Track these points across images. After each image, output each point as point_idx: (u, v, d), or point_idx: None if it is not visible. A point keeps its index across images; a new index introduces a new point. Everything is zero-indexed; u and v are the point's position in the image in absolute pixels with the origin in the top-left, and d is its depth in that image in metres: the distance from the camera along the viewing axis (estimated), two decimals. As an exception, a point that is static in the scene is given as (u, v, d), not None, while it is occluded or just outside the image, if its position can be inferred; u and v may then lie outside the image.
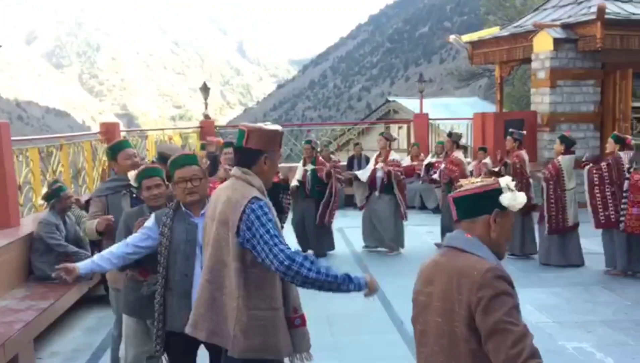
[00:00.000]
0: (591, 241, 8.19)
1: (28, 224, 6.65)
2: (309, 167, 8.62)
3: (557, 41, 12.09)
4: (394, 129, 16.13)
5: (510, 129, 8.98)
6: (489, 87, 30.44)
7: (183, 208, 3.35)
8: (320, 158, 8.95)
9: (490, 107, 21.75)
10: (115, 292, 4.31)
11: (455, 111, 20.96)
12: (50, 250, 6.05)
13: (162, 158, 4.44)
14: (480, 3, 35.27)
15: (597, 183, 7.36)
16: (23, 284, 5.94)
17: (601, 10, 11.37)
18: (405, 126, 16.33)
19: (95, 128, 10.00)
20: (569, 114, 12.47)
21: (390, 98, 22.87)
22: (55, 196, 6.23)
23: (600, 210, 7.32)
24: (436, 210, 11.43)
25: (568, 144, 7.88)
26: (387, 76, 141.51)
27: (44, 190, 7.57)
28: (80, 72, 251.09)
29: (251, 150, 2.82)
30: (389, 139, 8.98)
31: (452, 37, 15.05)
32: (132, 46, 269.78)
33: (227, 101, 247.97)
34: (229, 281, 2.76)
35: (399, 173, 8.65)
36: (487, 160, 9.95)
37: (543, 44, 12.28)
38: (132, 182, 3.86)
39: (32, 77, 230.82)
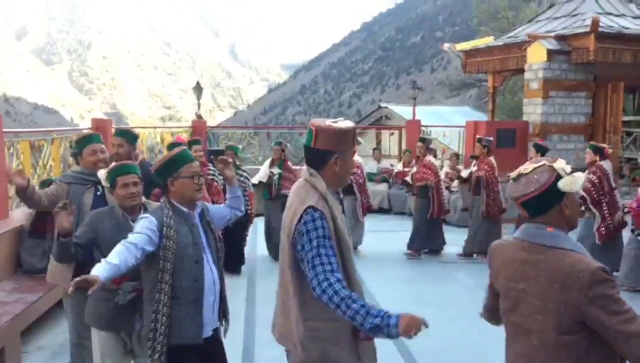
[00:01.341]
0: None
1: (17, 217, 6.56)
2: (276, 170, 8.47)
3: (550, 52, 12.18)
4: (385, 135, 16.16)
5: (478, 136, 9.13)
6: (479, 97, 30.63)
7: (182, 208, 3.14)
8: (289, 162, 8.82)
9: (481, 117, 21.87)
10: (65, 295, 3.94)
11: (447, 119, 21.01)
12: (39, 242, 5.98)
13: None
14: (472, 14, 35.52)
15: (594, 194, 7.30)
16: (11, 277, 5.86)
17: (595, 23, 11.48)
18: (396, 132, 16.34)
19: (84, 126, 9.89)
20: (561, 125, 12.56)
21: (382, 105, 22.89)
22: (42, 187, 6.18)
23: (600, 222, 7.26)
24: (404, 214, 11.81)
25: (542, 153, 8.00)
26: (378, 84, 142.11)
27: (35, 183, 7.52)
28: (71, 69, 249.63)
29: (320, 151, 2.59)
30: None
31: (446, 45, 15.12)
32: (123, 45, 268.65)
33: (217, 103, 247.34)
34: (292, 287, 2.62)
35: (357, 176, 8.75)
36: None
37: (537, 55, 12.36)
38: (103, 181, 3.56)
39: (22, 73, 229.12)
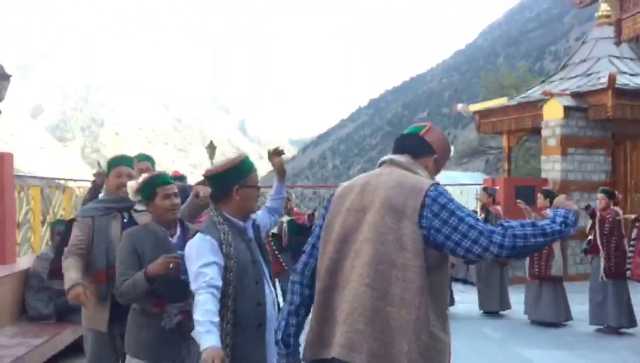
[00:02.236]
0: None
1: (24, 263, 6.28)
2: (285, 219, 8.13)
3: (567, 109, 12.07)
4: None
5: (484, 186, 9.12)
6: (491, 165, 30.63)
7: (237, 221, 2.75)
8: (295, 209, 8.64)
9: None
10: (94, 335, 3.50)
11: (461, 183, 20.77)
12: (46, 287, 5.66)
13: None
14: (477, 91, 36.09)
15: (607, 233, 7.38)
16: (14, 322, 5.52)
17: (612, 79, 11.42)
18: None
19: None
20: (581, 182, 12.29)
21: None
22: (50, 230, 5.95)
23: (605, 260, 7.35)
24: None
25: (552, 198, 7.82)
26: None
27: (43, 231, 7.27)
28: (83, 146, 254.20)
29: (425, 143, 2.44)
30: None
31: (459, 106, 15.11)
32: (135, 122, 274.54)
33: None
34: (398, 287, 2.11)
35: None
36: None
37: (553, 112, 12.25)
38: (132, 195, 3.25)
39: (35, 150, 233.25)
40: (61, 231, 5.78)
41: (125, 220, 3.53)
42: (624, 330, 7.32)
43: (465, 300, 9.13)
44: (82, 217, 3.55)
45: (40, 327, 5.40)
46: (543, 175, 12.73)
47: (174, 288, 3.01)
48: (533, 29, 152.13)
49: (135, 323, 3.09)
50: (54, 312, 5.64)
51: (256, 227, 2.89)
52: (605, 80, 12.04)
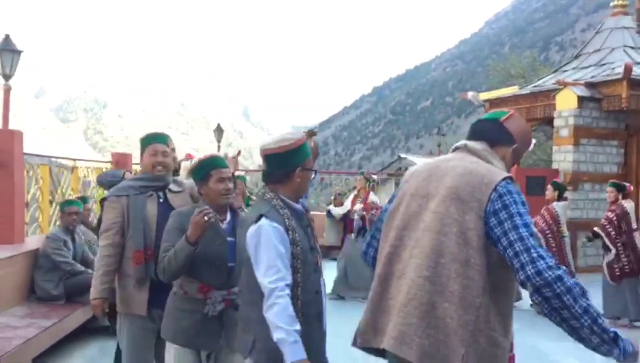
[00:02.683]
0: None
1: (33, 243, 6.18)
2: (358, 206, 8.15)
3: (581, 99, 11.90)
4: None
5: None
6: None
7: (295, 204, 2.53)
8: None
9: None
10: (131, 319, 3.29)
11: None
12: (55, 267, 5.57)
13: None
14: (481, 81, 35.80)
15: (613, 232, 7.28)
16: (24, 302, 5.42)
17: (628, 69, 11.24)
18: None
19: (105, 159, 9.65)
20: (592, 174, 12.14)
21: (402, 155, 22.69)
22: (60, 210, 5.83)
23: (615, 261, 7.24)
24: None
25: (561, 191, 7.66)
26: (387, 147, 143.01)
27: (51, 211, 7.17)
28: (86, 127, 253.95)
29: (504, 131, 2.24)
30: (368, 179, 8.69)
31: (470, 94, 14.92)
32: (138, 105, 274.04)
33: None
34: (458, 284, 1.97)
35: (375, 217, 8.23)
36: None
37: (566, 102, 12.09)
38: (184, 176, 3.21)
39: (38, 131, 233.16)
40: (72, 211, 5.70)
41: (160, 200, 3.37)
42: (638, 323, 7.22)
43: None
44: (116, 196, 3.33)
45: (49, 307, 5.31)
46: (554, 166, 12.60)
47: (220, 275, 2.93)
48: (539, 19, 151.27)
49: (175, 308, 2.97)
50: (64, 293, 5.55)
51: (306, 211, 2.65)
52: (620, 70, 11.86)
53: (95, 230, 6.50)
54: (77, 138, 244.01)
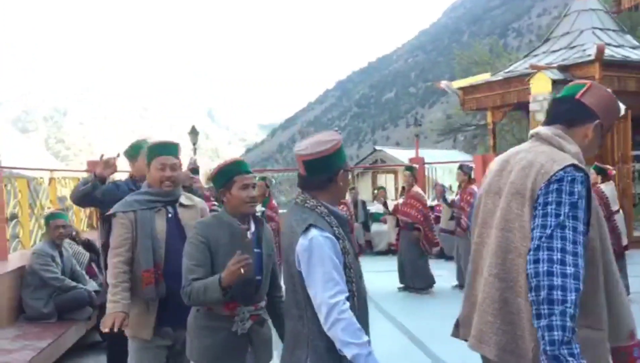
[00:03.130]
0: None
1: (16, 260, 5.90)
2: (259, 208, 7.76)
3: (555, 82, 11.98)
4: (381, 177, 15.83)
5: (460, 163, 8.89)
6: (468, 141, 30.70)
7: (337, 210, 2.33)
8: (273, 200, 8.05)
9: (470, 159, 21.74)
10: (138, 343, 3.09)
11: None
12: (44, 284, 5.30)
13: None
14: (443, 68, 36.05)
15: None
16: (13, 323, 5.15)
17: (600, 50, 11.35)
18: (392, 174, 16.01)
19: (82, 169, 9.33)
20: (570, 156, 12.26)
21: (377, 148, 22.66)
22: (45, 224, 5.57)
23: None
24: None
25: (603, 173, 7.54)
26: (354, 140, 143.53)
27: (32, 225, 6.88)
28: (47, 136, 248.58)
29: (584, 107, 2.05)
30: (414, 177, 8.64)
31: (443, 83, 14.94)
32: (100, 111, 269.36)
33: (196, 164, 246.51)
34: (524, 277, 1.88)
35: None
36: None
37: (541, 86, 12.16)
38: (204, 182, 3.07)
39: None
40: (59, 224, 5.44)
41: (169, 215, 3.15)
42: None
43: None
44: (123, 212, 3.09)
45: (41, 327, 5.06)
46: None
47: (248, 290, 2.73)
48: (496, 7, 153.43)
49: (200, 327, 2.75)
50: (55, 311, 5.29)
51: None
52: (591, 52, 12.00)
53: (86, 244, 6.27)
54: (38, 148, 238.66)
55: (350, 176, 8.22)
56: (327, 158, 2.23)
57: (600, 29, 13.46)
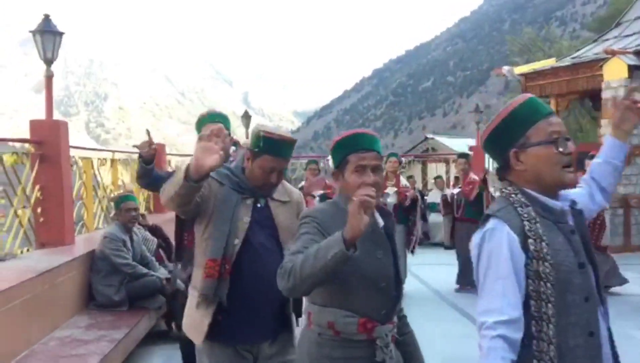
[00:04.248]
0: None
1: (83, 243, 5.64)
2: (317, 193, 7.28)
3: (631, 68, 11.26)
4: (432, 166, 15.39)
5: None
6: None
7: (547, 200, 1.75)
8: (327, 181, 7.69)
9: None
10: (209, 345, 2.54)
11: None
12: (115, 270, 5.02)
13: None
14: (483, 57, 35.04)
15: None
16: (83, 311, 4.88)
17: (685, 34, 10.59)
18: (443, 163, 15.48)
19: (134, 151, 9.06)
20: (646, 147, 11.55)
21: (429, 135, 22.10)
22: (116, 207, 5.26)
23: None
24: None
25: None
26: (390, 129, 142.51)
27: (95, 207, 6.63)
28: (88, 120, 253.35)
29: None
30: (400, 163, 7.95)
31: (505, 69, 14.29)
32: (139, 96, 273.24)
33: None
34: None
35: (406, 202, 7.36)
36: None
37: (616, 72, 11.44)
38: (333, 162, 2.47)
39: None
40: (130, 207, 5.15)
41: (259, 205, 2.59)
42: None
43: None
44: (213, 179, 2.51)
45: (114, 315, 4.77)
46: (603, 140, 11.98)
47: (386, 301, 2.09)
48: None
49: (324, 357, 2.07)
50: (126, 298, 5.01)
51: (577, 212, 1.82)
52: (670, 36, 11.26)
53: (153, 229, 5.98)
54: (80, 131, 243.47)
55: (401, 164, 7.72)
56: (490, 136, 1.83)
57: (678, 13, 12.64)
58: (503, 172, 1.82)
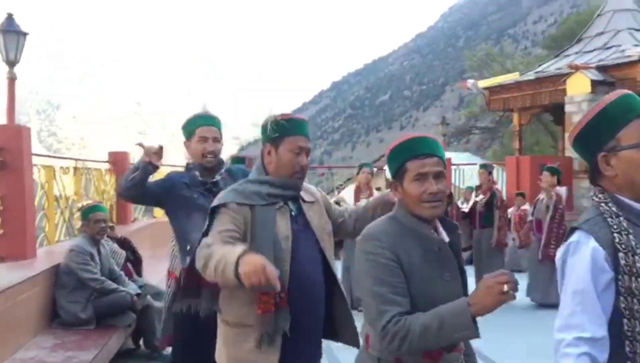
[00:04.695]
0: None
1: (44, 257, 5.30)
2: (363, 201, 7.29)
3: (594, 83, 11.48)
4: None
5: (482, 163, 9.06)
6: (478, 143, 30.24)
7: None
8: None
9: (482, 161, 21.28)
10: None
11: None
12: (82, 285, 4.70)
13: None
14: (439, 72, 35.68)
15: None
16: (47, 330, 4.54)
17: (646, 51, 10.86)
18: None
19: (103, 159, 8.73)
20: (607, 160, 11.77)
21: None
22: (83, 219, 4.94)
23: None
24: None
25: (559, 175, 7.41)
26: (348, 141, 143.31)
27: (57, 218, 6.27)
28: (39, 129, 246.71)
29: None
30: (372, 174, 7.94)
31: (470, 82, 14.41)
32: (93, 105, 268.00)
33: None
34: None
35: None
36: (527, 206, 9.25)
37: (579, 86, 11.65)
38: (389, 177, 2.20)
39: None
40: (100, 218, 4.86)
41: (293, 213, 2.36)
42: None
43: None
44: (237, 204, 2.26)
45: (80, 335, 4.45)
46: (567, 153, 12.18)
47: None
48: (492, 12, 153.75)
49: None
50: (94, 316, 4.69)
51: None
52: (630, 53, 11.54)
53: (121, 241, 5.68)
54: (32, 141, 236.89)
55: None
56: (579, 135, 1.67)
57: (637, 30, 12.99)
58: (594, 177, 1.65)
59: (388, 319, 1.73)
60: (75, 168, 6.94)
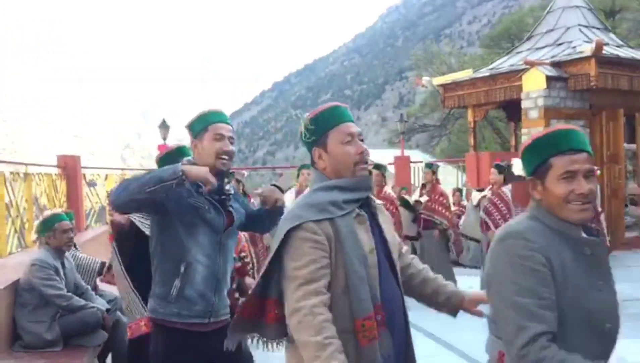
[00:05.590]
0: None
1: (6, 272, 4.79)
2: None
3: (549, 79, 11.59)
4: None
5: (428, 162, 9.15)
6: (426, 141, 30.53)
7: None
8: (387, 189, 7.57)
9: (430, 159, 21.50)
10: None
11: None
12: (46, 303, 4.23)
13: None
14: (379, 72, 35.96)
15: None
16: (8, 354, 4.05)
17: (599, 47, 11.02)
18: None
19: (50, 163, 8.17)
20: (563, 155, 11.92)
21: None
22: (47, 229, 4.43)
23: None
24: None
25: (507, 173, 7.30)
26: (291, 141, 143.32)
27: (8, 229, 5.73)
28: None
29: None
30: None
31: (424, 80, 14.39)
32: (24, 109, 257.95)
33: (127, 164, 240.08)
34: None
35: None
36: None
37: (534, 83, 11.74)
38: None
39: None
40: (66, 227, 4.40)
41: (368, 222, 2.02)
42: None
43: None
44: (315, 222, 1.88)
45: (46, 358, 3.99)
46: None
47: (605, 346, 1.64)
48: (429, 13, 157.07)
49: None
50: (60, 337, 4.22)
51: None
52: (581, 49, 11.73)
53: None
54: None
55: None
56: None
57: (586, 27, 13.22)
58: None
59: (530, 338, 1.51)
60: (26, 174, 6.39)
